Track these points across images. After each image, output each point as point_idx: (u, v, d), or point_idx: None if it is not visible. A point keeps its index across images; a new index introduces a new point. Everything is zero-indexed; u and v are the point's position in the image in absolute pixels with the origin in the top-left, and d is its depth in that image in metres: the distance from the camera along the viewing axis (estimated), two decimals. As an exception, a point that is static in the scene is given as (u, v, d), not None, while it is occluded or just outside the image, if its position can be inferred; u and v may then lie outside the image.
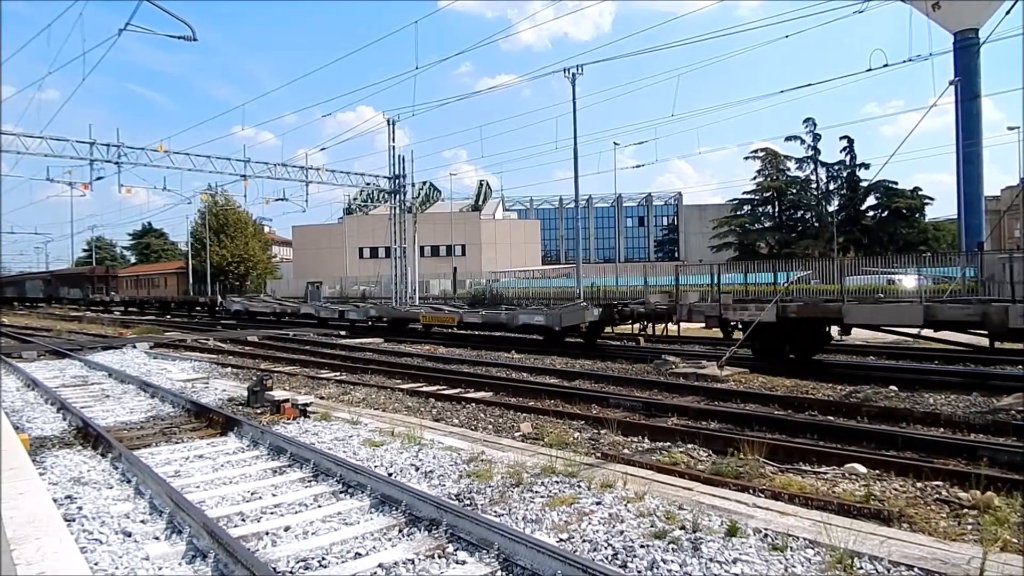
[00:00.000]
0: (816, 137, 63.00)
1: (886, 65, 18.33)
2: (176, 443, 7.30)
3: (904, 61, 18.98)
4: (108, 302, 49.07)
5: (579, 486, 5.14)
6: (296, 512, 4.89)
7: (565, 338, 17.55)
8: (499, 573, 3.76)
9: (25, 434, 7.20)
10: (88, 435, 7.46)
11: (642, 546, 3.98)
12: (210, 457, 6.58)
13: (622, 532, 4.22)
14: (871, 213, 61.91)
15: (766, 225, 65.26)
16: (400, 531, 4.46)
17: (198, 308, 39.71)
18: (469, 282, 47.83)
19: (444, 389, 10.83)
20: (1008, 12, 10.49)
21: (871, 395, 9.36)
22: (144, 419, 8.69)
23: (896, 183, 59.07)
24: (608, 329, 17.88)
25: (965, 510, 4.91)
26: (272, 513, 4.89)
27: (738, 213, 67.03)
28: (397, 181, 31.79)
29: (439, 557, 4.01)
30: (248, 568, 3.62)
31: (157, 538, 4.41)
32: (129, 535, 4.42)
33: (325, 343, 19.90)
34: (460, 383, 11.35)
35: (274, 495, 5.30)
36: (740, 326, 13.14)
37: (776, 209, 65.88)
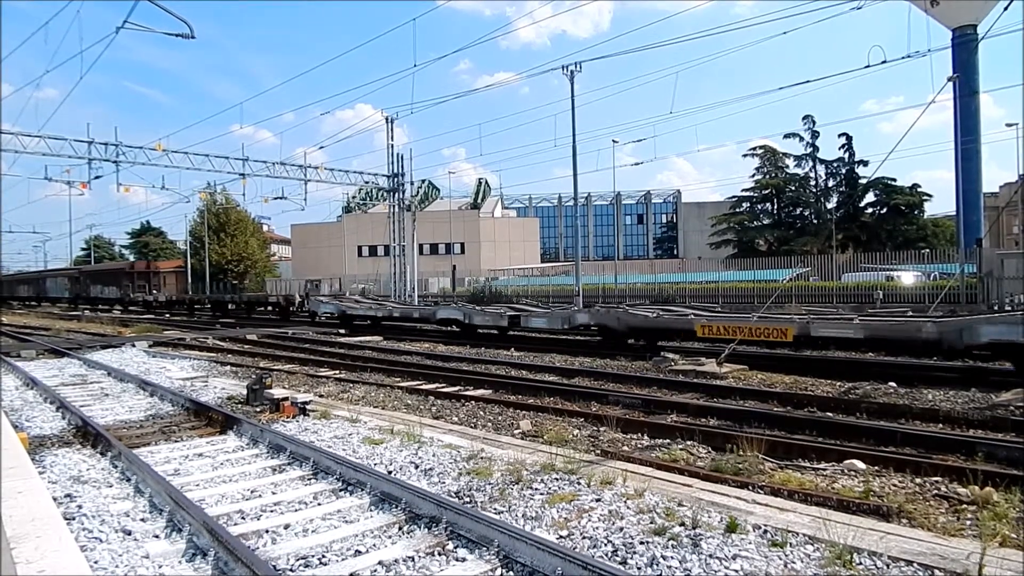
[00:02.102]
0: (815, 134, 62.97)
1: (884, 62, 18.36)
2: (175, 441, 7.30)
3: (902, 58, 18.98)
4: (150, 303, 43.04)
5: (579, 483, 5.15)
6: (296, 510, 4.89)
7: None
8: (499, 570, 3.77)
9: (24, 433, 7.20)
10: (87, 434, 7.45)
11: (642, 543, 3.99)
12: (209, 455, 6.58)
13: (622, 529, 4.22)
14: (870, 210, 61.92)
15: (765, 222, 65.25)
16: (400, 528, 4.46)
17: (260, 309, 33.85)
18: (468, 280, 47.87)
19: (443, 387, 10.83)
20: (1006, 8, 10.51)
21: (870, 391, 9.37)
22: (143, 418, 8.69)
23: (895, 180, 59.10)
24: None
25: (964, 506, 4.92)
26: (272, 511, 4.89)
27: (737, 211, 67.02)
28: (396, 179, 31.78)
29: (439, 554, 4.01)
30: (248, 566, 3.62)
31: (157, 536, 4.41)
32: (129, 533, 4.42)
33: (324, 341, 19.89)
34: (459, 381, 11.35)
35: (274, 493, 5.30)
36: None
37: (775, 206, 65.88)
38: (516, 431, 7.79)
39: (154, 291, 46.11)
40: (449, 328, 21.01)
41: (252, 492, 5.34)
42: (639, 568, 3.73)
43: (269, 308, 32.76)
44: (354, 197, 48.18)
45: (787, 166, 65.28)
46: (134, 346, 18.08)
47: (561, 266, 57.12)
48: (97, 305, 47.30)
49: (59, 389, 10.73)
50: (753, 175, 65.86)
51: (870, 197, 61.79)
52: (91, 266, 63.11)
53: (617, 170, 59.73)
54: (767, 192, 65.18)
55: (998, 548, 3.79)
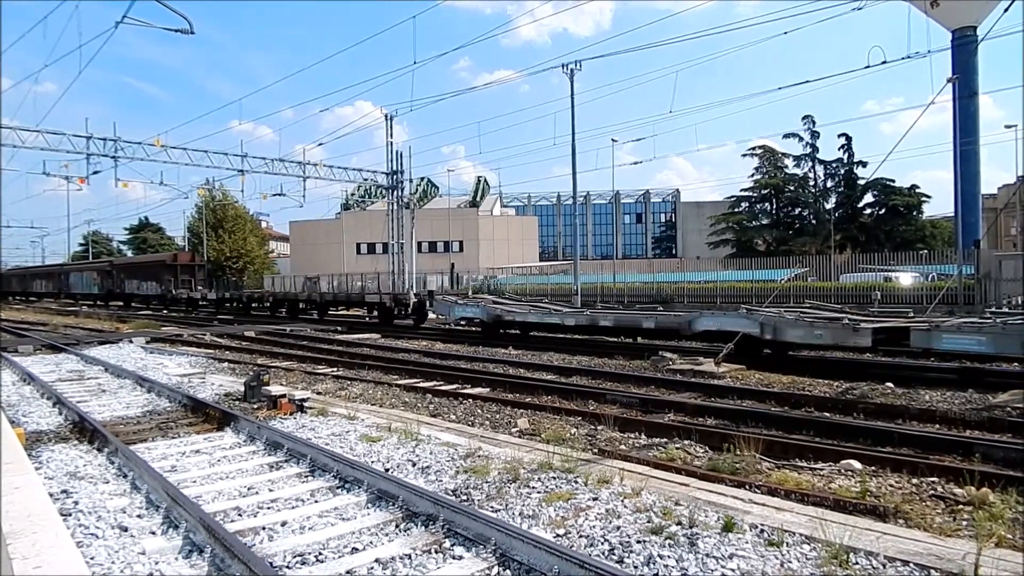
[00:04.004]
0: (814, 134, 62.92)
1: (884, 62, 18.36)
2: (173, 438, 7.29)
3: (902, 58, 18.98)
4: (197, 300, 37.84)
5: (576, 482, 5.15)
6: (293, 507, 4.89)
7: None
8: (496, 568, 3.77)
9: (21, 428, 7.19)
10: (84, 429, 7.44)
11: (639, 541, 3.99)
12: (207, 452, 6.57)
13: (619, 528, 4.22)
14: (868, 211, 61.95)
15: (764, 222, 65.23)
16: (397, 526, 4.46)
17: (337, 308, 27.98)
18: (467, 278, 47.86)
19: (441, 385, 10.83)
20: (1006, 10, 10.49)
21: (867, 391, 9.39)
22: (140, 414, 8.68)
23: (893, 180, 59.10)
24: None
25: (960, 506, 4.93)
26: (269, 508, 4.89)
27: (736, 210, 66.98)
28: (395, 177, 31.74)
29: (436, 552, 4.01)
30: (245, 563, 3.62)
31: (154, 533, 4.40)
32: (126, 530, 4.42)
33: (322, 339, 19.91)
34: (457, 379, 11.35)
35: (271, 490, 5.29)
36: None
37: (774, 206, 65.87)
38: (514, 429, 7.79)
39: (200, 287, 40.21)
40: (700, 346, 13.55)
41: (249, 489, 5.33)
42: (636, 567, 3.73)
43: (369, 309, 26.48)
44: (353, 194, 48.14)
45: (786, 166, 65.27)
46: (131, 342, 18.06)
47: (560, 265, 57.05)
48: (132, 303, 42.98)
49: (56, 385, 10.72)
50: (752, 175, 65.87)
51: (869, 198, 61.82)
52: (127, 257, 56.88)
53: (616, 169, 60.12)
54: (766, 192, 65.17)
55: (994, 548, 3.80)
